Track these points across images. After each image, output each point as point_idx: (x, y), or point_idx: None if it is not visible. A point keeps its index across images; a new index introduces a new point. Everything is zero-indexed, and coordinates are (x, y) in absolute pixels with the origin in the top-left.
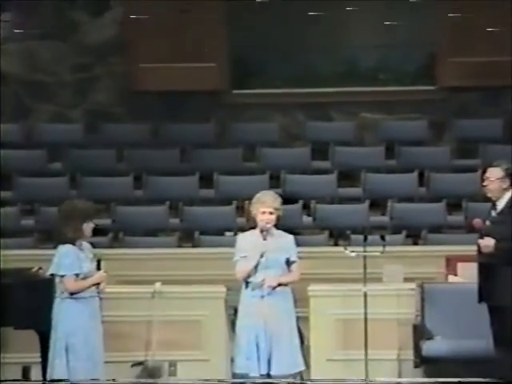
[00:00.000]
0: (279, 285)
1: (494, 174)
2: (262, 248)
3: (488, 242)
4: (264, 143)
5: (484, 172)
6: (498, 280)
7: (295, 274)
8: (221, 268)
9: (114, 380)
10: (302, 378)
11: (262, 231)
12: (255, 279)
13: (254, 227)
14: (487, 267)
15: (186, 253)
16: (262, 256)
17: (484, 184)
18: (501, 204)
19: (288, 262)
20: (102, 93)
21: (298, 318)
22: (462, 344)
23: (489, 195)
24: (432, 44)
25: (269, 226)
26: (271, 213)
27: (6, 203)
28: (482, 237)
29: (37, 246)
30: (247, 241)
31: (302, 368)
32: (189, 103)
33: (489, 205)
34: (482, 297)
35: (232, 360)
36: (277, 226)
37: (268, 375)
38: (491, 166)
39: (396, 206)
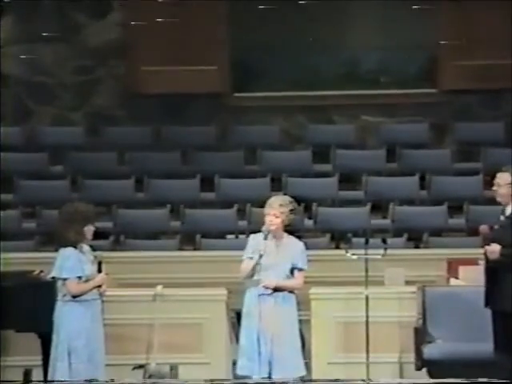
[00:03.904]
0: (279, 289)
1: (504, 179)
2: (262, 248)
3: (494, 248)
4: (265, 146)
5: (492, 177)
6: (503, 285)
7: (296, 281)
8: (222, 271)
9: (112, 380)
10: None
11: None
12: (255, 278)
13: None
14: (493, 272)
15: (187, 256)
16: (260, 256)
17: (494, 189)
18: (509, 209)
19: (293, 269)
20: (104, 95)
21: (300, 321)
22: (463, 347)
23: (498, 200)
24: (433, 47)
25: (272, 227)
26: (276, 216)
27: (7, 206)
28: (488, 242)
29: (38, 249)
30: (255, 241)
31: (303, 373)
32: (190, 106)
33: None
34: (488, 302)
35: (234, 362)
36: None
37: (269, 378)
38: (500, 170)
39: (397, 208)
